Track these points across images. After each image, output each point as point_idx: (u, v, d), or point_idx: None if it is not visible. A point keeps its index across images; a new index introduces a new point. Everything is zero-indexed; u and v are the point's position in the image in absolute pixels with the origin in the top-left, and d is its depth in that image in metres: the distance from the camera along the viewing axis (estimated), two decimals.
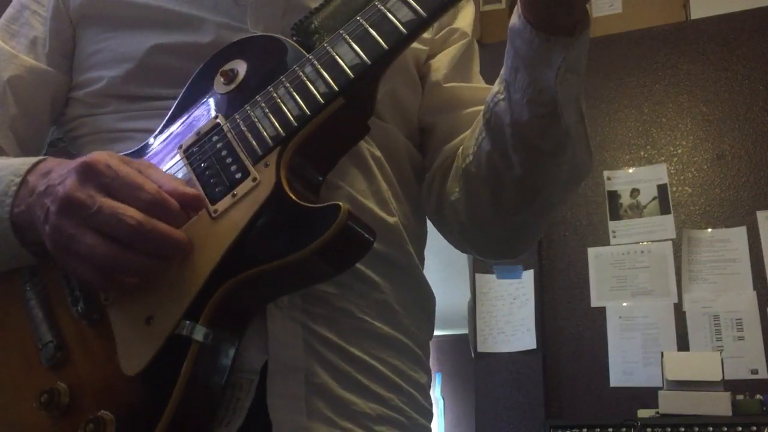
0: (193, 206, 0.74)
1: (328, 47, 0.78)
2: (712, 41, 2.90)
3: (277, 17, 0.91)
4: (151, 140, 0.86)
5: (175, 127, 0.85)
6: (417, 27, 0.75)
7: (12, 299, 0.82)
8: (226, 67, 0.84)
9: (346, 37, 0.77)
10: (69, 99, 0.98)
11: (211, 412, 0.74)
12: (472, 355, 2.87)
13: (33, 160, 0.81)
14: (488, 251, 1.02)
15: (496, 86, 0.85)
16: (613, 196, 2.88)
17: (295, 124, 0.75)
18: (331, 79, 0.76)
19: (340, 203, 0.70)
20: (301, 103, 0.76)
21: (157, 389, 0.70)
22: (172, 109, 0.86)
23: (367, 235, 0.72)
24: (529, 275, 2.85)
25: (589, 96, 3.00)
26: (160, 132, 0.86)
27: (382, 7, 0.76)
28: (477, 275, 2.93)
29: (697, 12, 3.01)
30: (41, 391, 0.75)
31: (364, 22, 0.77)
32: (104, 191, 0.70)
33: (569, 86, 0.79)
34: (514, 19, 0.79)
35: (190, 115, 0.84)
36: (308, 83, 0.77)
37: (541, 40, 0.76)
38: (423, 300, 0.96)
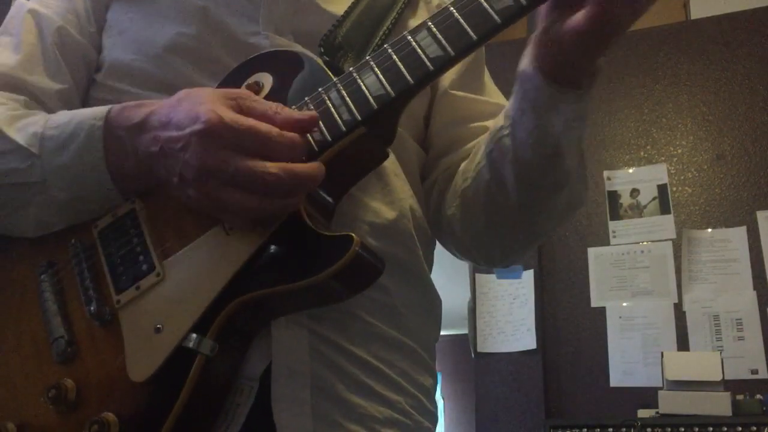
0: (311, 127, 0.75)
1: (354, 74, 0.78)
2: (712, 41, 2.90)
3: (288, 16, 0.91)
4: None
5: None
6: (444, 64, 0.75)
7: (27, 287, 0.83)
8: (252, 79, 0.84)
9: (374, 65, 0.78)
10: (91, 81, 0.97)
11: (212, 420, 0.75)
12: (472, 355, 2.87)
13: (103, 110, 0.80)
14: (481, 261, 1.03)
15: (502, 120, 0.86)
16: (613, 196, 2.88)
17: (316, 149, 0.76)
18: (355, 107, 0.76)
19: (353, 234, 0.72)
20: (324, 129, 0.77)
21: (161, 397, 0.71)
22: None
23: (377, 266, 0.75)
24: (529, 275, 2.85)
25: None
26: None
27: (412, 41, 0.77)
28: (477, 275, 2.93)
29: (697, 12, 3.02)
30: (49, 385, 0.76)
31: (393, 53, 0.77)
32: (234, 150, 0.71)
33: (574, 131, 0.81)
34: (525, 64, 0.79)
35: None
36: (332, 109, 0.77)
37: (552, 90, 0.77)
38: (428, 302, 0.96)
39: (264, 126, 0.72)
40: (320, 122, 0.77)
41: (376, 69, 0.77)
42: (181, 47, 0.90)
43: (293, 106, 0.79)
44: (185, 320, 0.73)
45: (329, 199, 0.81)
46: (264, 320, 0.78)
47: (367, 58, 0.79)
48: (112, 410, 0.72)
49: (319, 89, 0.79)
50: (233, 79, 0.86)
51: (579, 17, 0.71)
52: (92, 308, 0.77)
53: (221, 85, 0.86)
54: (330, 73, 0.81)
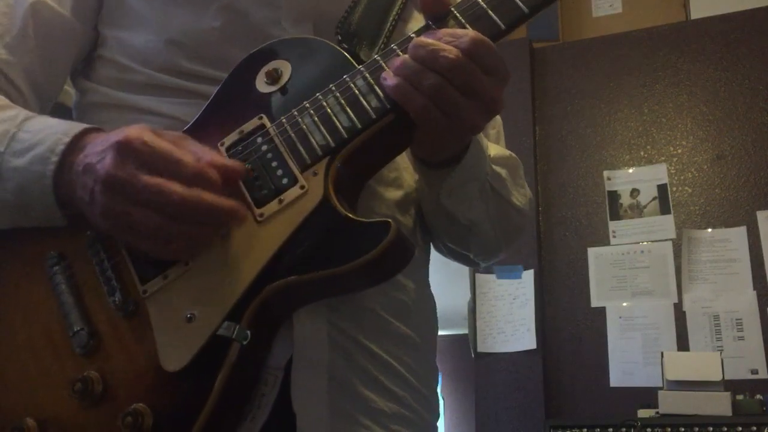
0: (233, 178, 0.75)
1: (380, 61, 0.79)
2: (712, 41, 2.90)
3: (311, 1, 0.90)
4: (188, 131, 0.84)
5: (212, 122, 0.84)
6: None
7: (37, 282, 0.82)
8: (270, 66, 0.83)
9: (400, 53, 0.78)
10: (96, 57, 0.95)
11: (241, 409, 0.75)
12: (472, 355, 2.87)
13: (78, 128, 0.80)
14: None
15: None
16: (613, 196, 2.88)
17: (346, 136, 0.77)
18: (384, 95, 0.77)
19: (390, 221, 0.72)
20: (353, 115, 0.77)
21: (196, 387, 0.71)
22: (208, 102, 0.85)
23: (411, 250, 0.75)
24: (529, 275, 2.85)
25: (589, 96, 3.00)
26: (196, 123, 0.84)
27: (434, 26, 0.77)
28: (477, 275, 2.93)
29: (697, 12, 3.02)
30: (74, 378, 0.75)
31: None
32: (144, 168, 0.71)
33: (462, 194, 0.87)
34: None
35: (228, 111, 0.83)
36: (360, 96, 0.78)
37: (422, 169, 0.88)
38: (428, 296, 0.98)
39: (180, 152, 0.72)
40: (348, 109, 0.77)
41: (402, 56, 0.77)
42: (195, 35, 0.88)
43: (318, 94, 0.79)
44: (219, 308, 0.73)
45: (357, 183, 0.81)
46: (293, 308, 0.78)
47: (393, 46, 0.79)
48: (144, 401, 0.72)
49: (344, 76, 0.79)
50: (249, 66, 0.85)
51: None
52: (116, 299, 0.77)
53: (236, 71, 0.85)
54: (353, 62, 0.81)
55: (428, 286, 0.98)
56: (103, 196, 0.72)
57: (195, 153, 0.73)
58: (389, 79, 0.75)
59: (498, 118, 1.08)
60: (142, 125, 0.75)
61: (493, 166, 0.93)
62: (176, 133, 0.78)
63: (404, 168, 0.93)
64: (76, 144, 0.78)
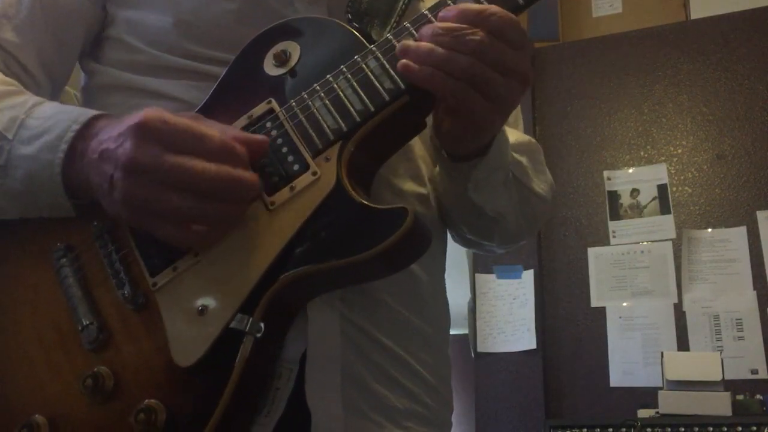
0: (259, 150, 0.72)
1: (393, 40, 0.75)
2: (712, 41, 2.90)
3: None
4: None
5: (220, 105, 0.81)
6: None
7: (44, 275, 0.79)
8: (278, 47, 0.80)
9: (413, 31, 0.75)
10: (104, 38, 0.93)
11: (256, 404, 0.73)
12: (472, 355, 2.87)
13: (88, 114, 0.78)
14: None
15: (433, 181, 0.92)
16: (613, 196, 2.88)
17: (358, 120, 0.74)
18: (398, 75, 0.73)
19: (406, 207, 0.69)
20: (365, 98, 0.74)
21: (208, 382, 0.69)
22: (216, 85, 0.82)
23: (429, 237, 0.72)
24: (529, 275, 2.85)
25: (589, 96, 3.00)
26: (204, 108, 0.81)
27: (451, 2, 0.75)
28: (477, 275, 2.93)
29: (697, 12, 3.01)
30: (84, 374, 0.73)
31: (432, 18, 0.75)
32: (168, 148, 0.68)
33: (488, 186, 0.86)
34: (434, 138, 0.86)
35: (236, 95, 0.81)
36: (372, 78, 0.74)
37: (446, 163, 0.86)
38: (443, 289, 0.96)
39: (203, 127, 0.70)
40: (361, 91, 0.74)
41: (416, 35, 0.74)
42: (207, 17, 0.86)
43: (328, 76, 0.76)
44: (231, 300, 0.70)
45: (370, 169, 0.78)
46: (308, 298, 0.75)
47: (407, 24, 0.76)
48: (156, 397, 0.70)
49: (356, 57, 0.76)
50: (257, 47, 0.82)
51: (443, 115, 0.79)
52: (125, 292, 0.74)
53: (244, 53, 0.82)
54: (364, 41, 0.78)
55: (443, 278, 0.96)
56: (126, 181, 0.68)
57: (218, 128, 0.71)
58: (419, 70, 0.71)
59: None
60: (156, 107, 0.72)
61: (514, 154, 0.91)
62: (192, 113, 0.76)
63: (420, 157, 0.91)
64: (87, 130, 0.75)
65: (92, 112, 0.78)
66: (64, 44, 0.92)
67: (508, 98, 0.73)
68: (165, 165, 0.67)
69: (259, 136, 0.73)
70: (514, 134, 0.94)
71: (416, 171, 0.90)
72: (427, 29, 0.73)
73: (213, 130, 0.70)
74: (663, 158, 2.86)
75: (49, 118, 0.78)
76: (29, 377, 0.77)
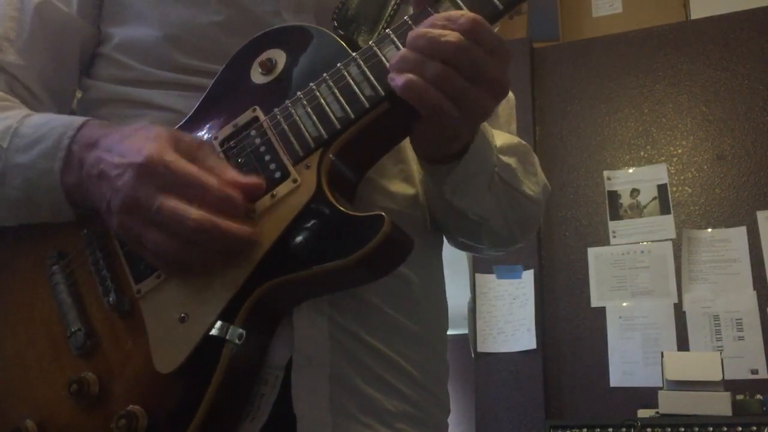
0: (255, 195, 0.74)
1: (375, 48, 0.76)
2: (712, 41, 2.90)
3: None
4: (184, 125, 0.83)
5: (208, 115, 0.82)
6: None
7: (37, 279, 0.81)
8: (264, 56, 0.81)
9: (395, 38, 0.75)
10: (96, 55, 0.95)
11: (239, 410, 0.73)
12: (472, 355, 2.87)
13: (80, 119, 0.79)
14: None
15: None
16: (613, 196, 2.88)
17: (339, 127, 0.74)
18: (378, 82, 0.74)
19: (383, 214, 0.70)
20: (346, 105, 0.74)
21: (189, 388, 0.70)
22: (204, 95, 0.83)
23: (407, 245, 0.73)
24: (529, 275, 2.85)
25: (589, 96, 3.00)
26: (193, 117, 0.83)
27: (432, 11, 0.75)
28: (477, 275, 2.93)
29: (697, 12, 3.01)
30: (70, 379, 0.74)
31: (413, 25, 0.75)
32: (164, 190, 0.70)
33: (468, 189, 0.85)
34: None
35: (224, 104, 0.82)
36: (353, 85, 0.75)
37: (425, 165, 0.86)
38: (438, 290, 0.96)
39: (203, 175, 0.71)
40: (341, 98, 0.74)
41: (397, 41, 0.75)
42: (195, 30, 0.87)
43: (311, 83, 0.77)
44: (211, 308, 0.71)
45: (353, 176, 0.78)
46: (290, 305, 0.76)
47: (388, 31, 0.76)
48: (139, 403, 0.71)
49: (338, 65, 0.76)
50: (244, 56, 0.83)
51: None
52: (111, 299, 0.76)
53: (231, 63, 0.83)
54: (347, 48, 0.78)
55: (440, 279, 0.96)
56: (120, 214, 0.71)
57: (219, 173, 0.72)
58: (396, 78, 0.71)
59: (511, 97, 1.05)
60: (161, 133, 0.73)
61: (501, 157, 0.90)
62: (195, 139, 0.77)
63: (412, 159, 0.91)
64: (83, 136, 0.77)
65: (84, 118, 0.79)
66: (64, 64, 0.93)
67: (476, 107, 0.73)
68: (154, 205, 0.69)
69: (256, 180, 0.74)
70: (502, 137, 0.94)
71: (408, 173, 0.90)
72: (408, 37, 0.73)
73: (212, 178, 0.71)
74: (663, 158, 2.86)
75: (42, 126, 0.79)
76: (22, 382, 0.78)
